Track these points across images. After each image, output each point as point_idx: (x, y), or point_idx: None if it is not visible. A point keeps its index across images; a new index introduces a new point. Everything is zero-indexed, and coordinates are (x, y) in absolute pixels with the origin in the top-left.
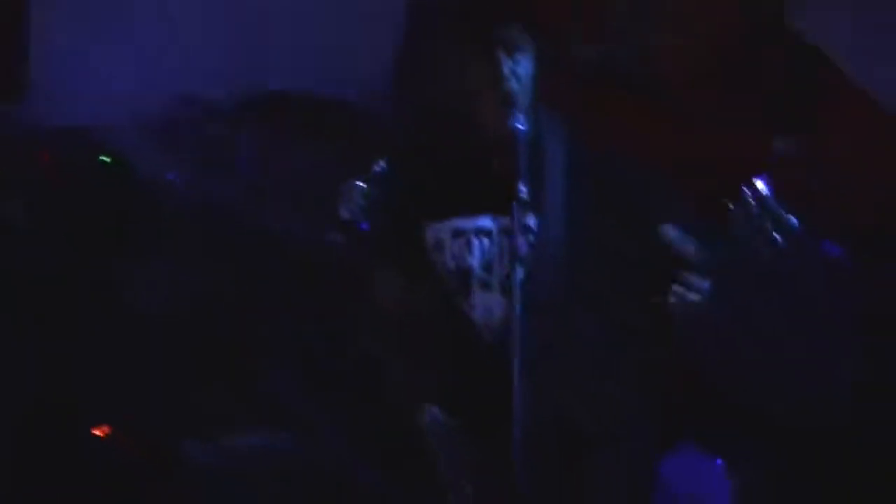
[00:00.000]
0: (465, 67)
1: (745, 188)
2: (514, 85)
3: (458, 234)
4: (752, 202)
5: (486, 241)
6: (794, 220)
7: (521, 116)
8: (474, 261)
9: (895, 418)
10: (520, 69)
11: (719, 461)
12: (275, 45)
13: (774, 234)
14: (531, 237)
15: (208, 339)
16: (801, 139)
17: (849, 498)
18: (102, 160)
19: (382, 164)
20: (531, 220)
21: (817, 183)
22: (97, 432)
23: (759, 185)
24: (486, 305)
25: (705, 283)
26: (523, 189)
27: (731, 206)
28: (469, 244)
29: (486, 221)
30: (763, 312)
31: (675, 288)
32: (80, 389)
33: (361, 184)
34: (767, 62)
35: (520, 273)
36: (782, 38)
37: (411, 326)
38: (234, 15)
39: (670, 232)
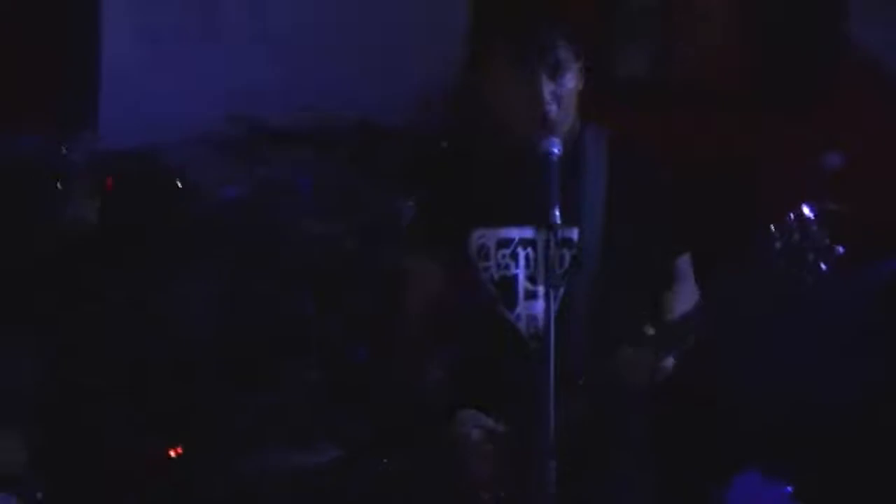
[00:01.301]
0: (509, 90)
1: (790, 214)
2: (553, 109)
3: (503, 243)
4: (796, 228)
5: (530, 251)
6: (839, 248)
7: (556, 140)
8: (519, 271)
9: None
10: (562, 91)
11: (787, 489)
12: (331, 70)
13: (817, 261)
14: (573, 249)
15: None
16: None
17: None
18: (164, 180)
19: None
20: (573, 233)
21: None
22: (172, 453)
23: (805, 211)
24: (531, 314)
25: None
26: (557, 212)
27: (773, 230)
28: (514, 254)
29: (530, 232)
30: (797, 335)
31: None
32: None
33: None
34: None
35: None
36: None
37: (455, 332)
38: (292, 40)
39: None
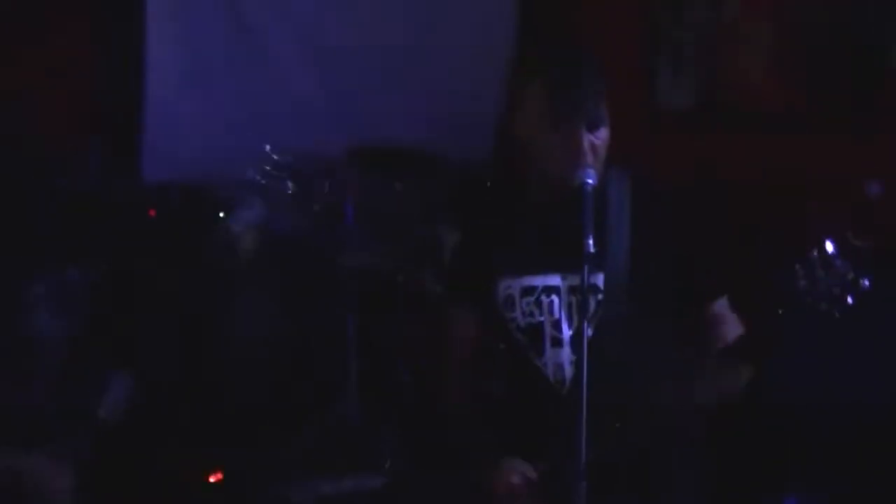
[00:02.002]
0: (548, 138)
1: (812, 250)
2: (590, 160)
3: (527, 291)
4: (819, 265)
5: (555, 298)
6: (865, 281)
7: (591, 171)
8: (544, 318)
9: None
10: (597, 142)
11: None
12: (376, 103)
13: (844, 295)
14: (599, 295)
15: (300, 380)
16: None
17: None
18: (210, 213)
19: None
20: (598, 279)
21: None
22: (212, 479)
23: (828, 246)
24: (557, 361)
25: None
26: (590, 243)
27: (797, 268)
28: (539, 302)
29: (554, 279)
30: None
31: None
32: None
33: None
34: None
35: (588, 330)
36: None
37: (485, 380)
38: (341, 69)
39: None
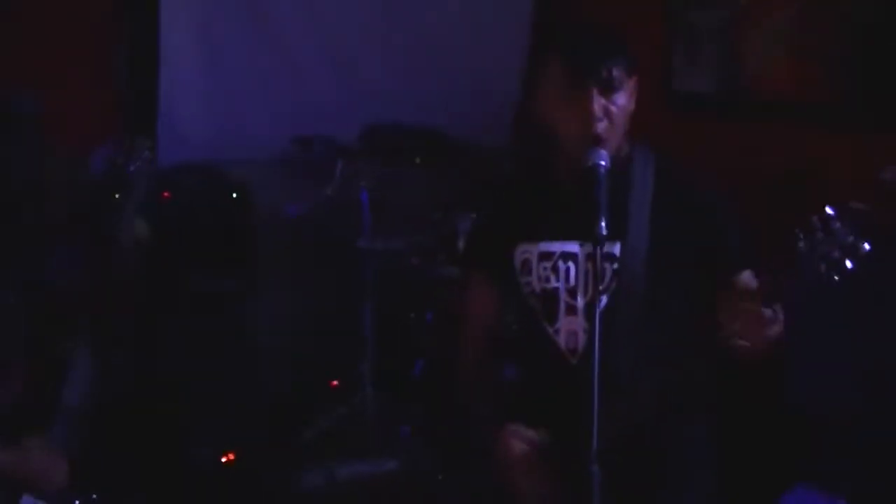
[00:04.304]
0: (562, 105)
1: (813, 217)
2: (602, 125)
3: (544, 256)
4: (819, 227)
5: (571, 265)
6: (864, 244)
7: (604, 153)
8: (560, 284)
9: None
10: (613, 108)
11: (842, 501)
12: (393, 86)
13: (843, 259)
14: (615, 264)
15: (315, 364)
16: None
17: None
18: (224, 194)
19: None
20: (615, 248)
21: None
22: (224, 459)
23: (828, 211)
24: (571, 329)
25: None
26: (603, 223)
27: (797, 231)
28: (556, 268)
29: (572, 246)
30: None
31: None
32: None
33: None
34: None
35: (603, 300)
36: None
37: (504, 346)
38: (357, 57)
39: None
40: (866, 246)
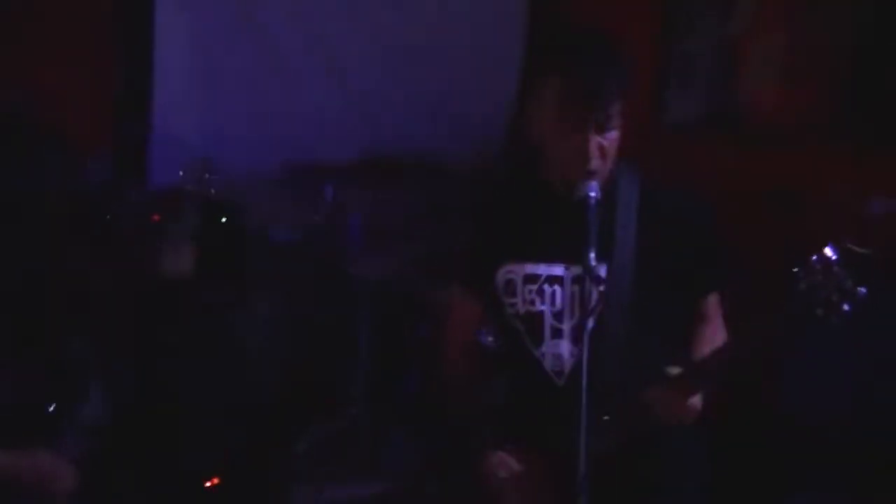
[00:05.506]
0: (557, 138)
1: (813, 256)
2: (597, 162)
3: (530, 279)
4: (819, 270)
5: (557, 288)
6: (862, 289)
7: (595, 184)
8: (545, 307)
9: None
10: (607, 144)
11: None
12: (388, 99)
13: (840, 302)
14: (602, 287)
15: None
16: None
17: None
18: (215, 218)
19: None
20: (602, 271)
21: None
22: (208, 484)
23: (828, 252)
24: (556, 352)
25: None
26: (592, 254)
27: (796, 271)
28: (541, 291)
29: (558, 269)
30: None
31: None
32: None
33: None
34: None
35: (590, 323)
36: None
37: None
38: (349, 68)
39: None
40: (863, 291)
